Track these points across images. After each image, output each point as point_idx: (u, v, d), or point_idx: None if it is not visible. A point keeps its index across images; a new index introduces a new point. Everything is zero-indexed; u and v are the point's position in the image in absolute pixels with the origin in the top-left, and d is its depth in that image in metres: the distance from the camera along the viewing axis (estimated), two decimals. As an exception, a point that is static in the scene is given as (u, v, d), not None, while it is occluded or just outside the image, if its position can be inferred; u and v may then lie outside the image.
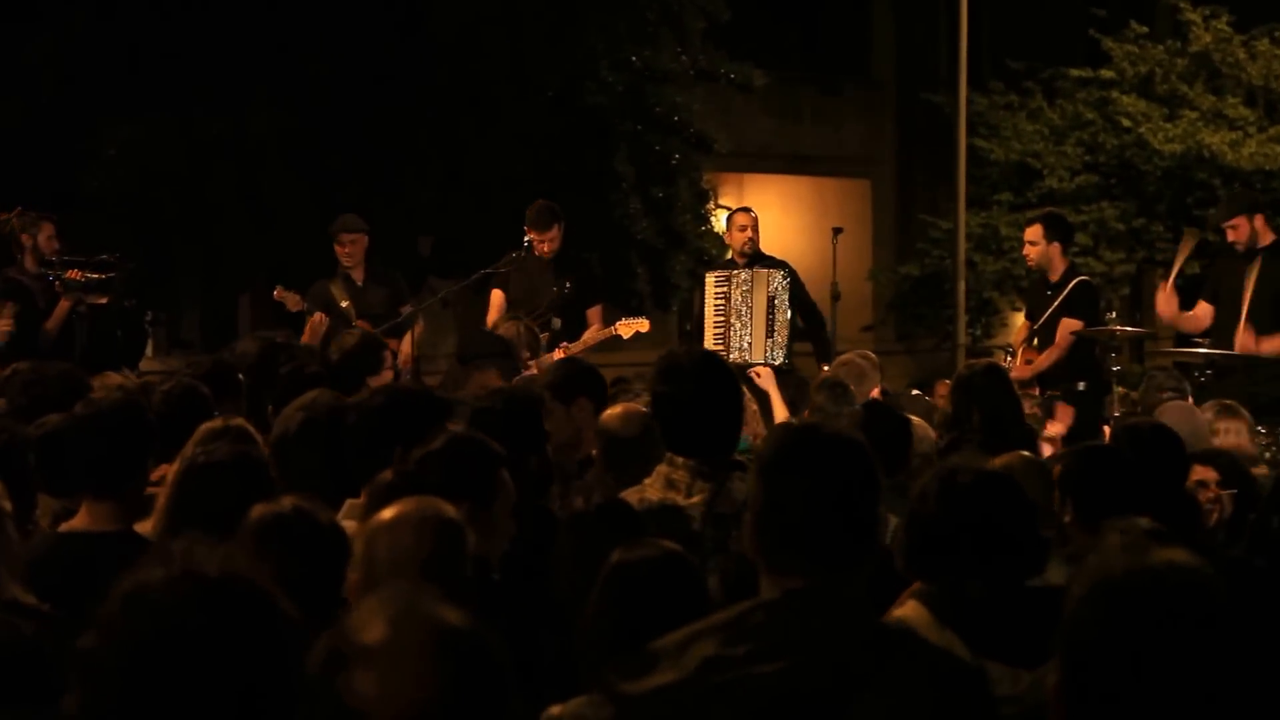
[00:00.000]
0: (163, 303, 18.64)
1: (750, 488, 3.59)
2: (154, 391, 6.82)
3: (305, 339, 11.54)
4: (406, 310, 12.16)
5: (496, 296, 11.82)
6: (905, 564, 4.26)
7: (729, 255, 12.43)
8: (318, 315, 11.69)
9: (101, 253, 11.85)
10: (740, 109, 23.26)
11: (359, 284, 12.09)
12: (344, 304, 11.91)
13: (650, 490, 5.52)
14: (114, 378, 8.33)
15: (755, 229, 12.07)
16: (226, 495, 4.55)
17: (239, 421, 5.98)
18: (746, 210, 12.30)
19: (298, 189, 17.02)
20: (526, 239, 11.75)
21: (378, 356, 8.25)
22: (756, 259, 12.05)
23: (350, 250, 12.09)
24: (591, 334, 11.48)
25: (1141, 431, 6.28)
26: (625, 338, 11.48)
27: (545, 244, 11.59)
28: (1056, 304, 11.38)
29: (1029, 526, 4.30)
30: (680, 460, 5.47)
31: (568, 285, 11.59)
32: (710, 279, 12.17)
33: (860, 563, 3.46)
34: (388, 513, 3.95)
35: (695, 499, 5.36)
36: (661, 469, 5.54)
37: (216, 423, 5.90)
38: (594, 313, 11.72)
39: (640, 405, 6.44)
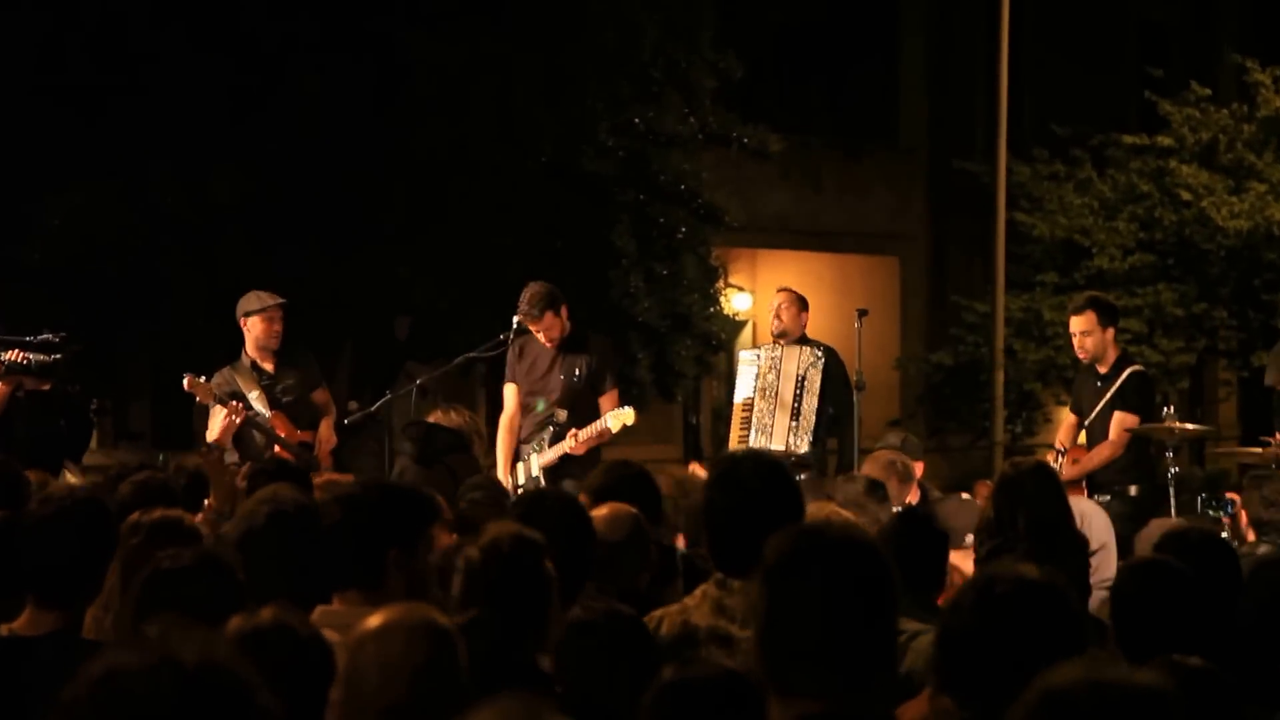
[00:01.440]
0: (109, 389, 18.70)
1: (754, 597, 3.61)
2: (122, 481, 6.87)
3: (217, 437, 11.43)
4: (320, 396, 12.13)
5: (510, 392, 11.84)
6: (938, 684, 4.30)
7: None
8: (233, 405, 11.55)
9: (44, 332, 11.90)
10: (754, 177, 23.42)
11: (269, 370, 11.95)
12: (253, 394, 11.80)
13: (697, 614, 5.45)
14: (67, 479, 8.39)
15: (787, 310, 12.30)
16: (195, 603, 4.61)
17: (191, 519, 6.05)
18: (791, 292, 12.59)
19: (260, 263, 17.12)
20: (516, 319, 11.81)
21: None
22: (803, 340, 12.30)
23: (279, 328, 11.93)
24: (597, 425, 11.48)
25: (1189, 540, 6.23)
26: (614, 430, 11.54)
27: (544, 334, 11.62)
28: (1108, 397, 11.45)
29: (1077, 643, 4.33)
30: (736, 584, 5.40)
31: (576, 374, 11.61)
32: (743, 356, 12.42)
33: (881, 682, 3.50)
34: (374, 620, 4.02)
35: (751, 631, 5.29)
36: (710, 590, 5.44)
37: (155, 513, 5.94)
38: (607, 399, 11.72)
39: (629, 507, 6.48)
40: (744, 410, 12.09)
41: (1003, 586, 4.21)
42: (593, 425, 11.46)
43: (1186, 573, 5.54)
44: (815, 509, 6.74)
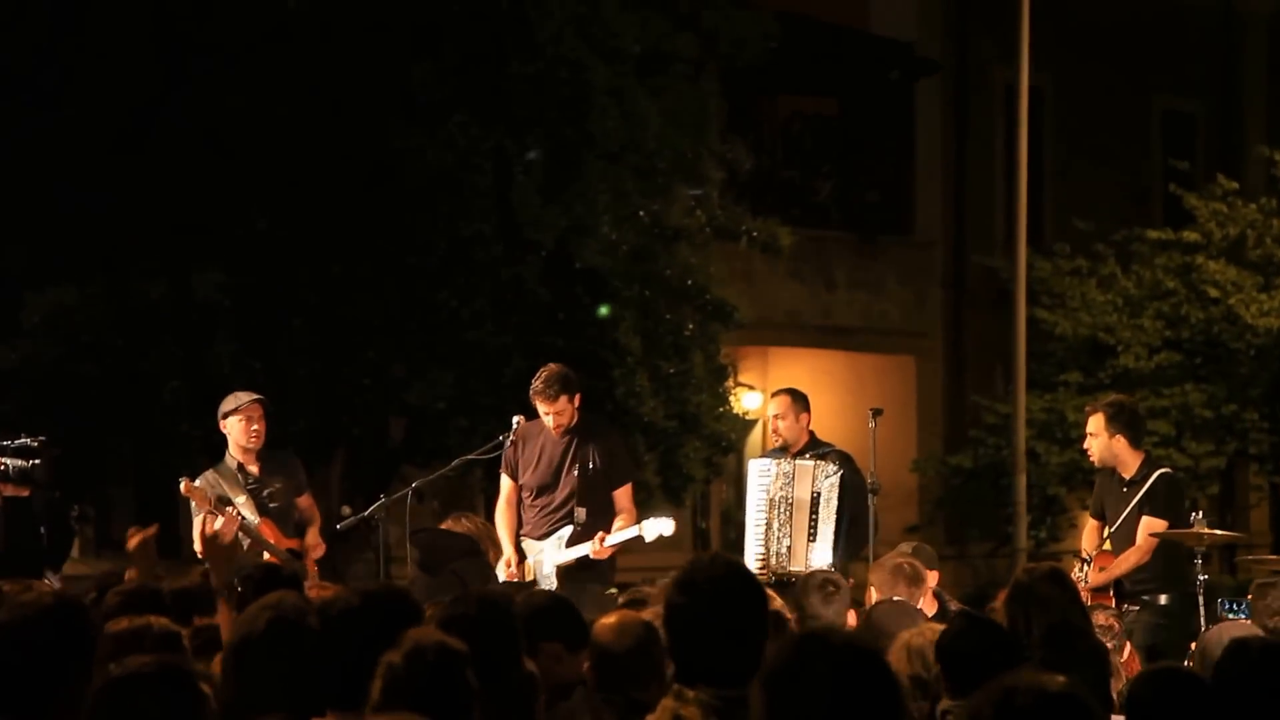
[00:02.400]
0: (92, 495, 18.68)
1: (754, 705, 3.63)
2: (107, 593, 6.81)
3: (205, 552, 11.40)
4: (305, 502, 12.10)
5: (506, 486, 11.78)
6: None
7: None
8: (229, 513, 11.51)
9: (21, 436, 11.88)
10: (764, 272, 23.48)
11: (255, 474, 11.87)
12: (240, 499, 11.76)
13: None
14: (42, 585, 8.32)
15: (792, 417, 12.06)
16: (151, 716, 4.55)
17: (163, 622, 6.00)
18: (780, 393, 12.30)
19: (248, 362, 17.15)
20: (516, 420, 11.76)
21: None
22: (810, 446, 12.10)
23: (259, 427, 11.90)
24: (623, 525, 11.37)
25: (1250, 652, 6.14)
26: (648, 540, 11.41)
27: (554, 418, 11.54)
28: (1135, 501, 11.40)
29: None
30: (691, 693, 5.43)
31: (591, 466, 11.52)
32: (753, 467, 12.21)
33: None
34: None
35: (707, 744, 5.29)
36: (668, 703, 5.46)
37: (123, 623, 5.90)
38: (623, 494, 11.57)
39: (644, 615, 6.44)
40: (758, 526, 11.99)
41: (1023, 698, 4.16)
42: (624, 529, 11.31)
43: (1203, 682, 5.52)
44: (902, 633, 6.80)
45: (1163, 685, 5.47)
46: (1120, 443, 11.51)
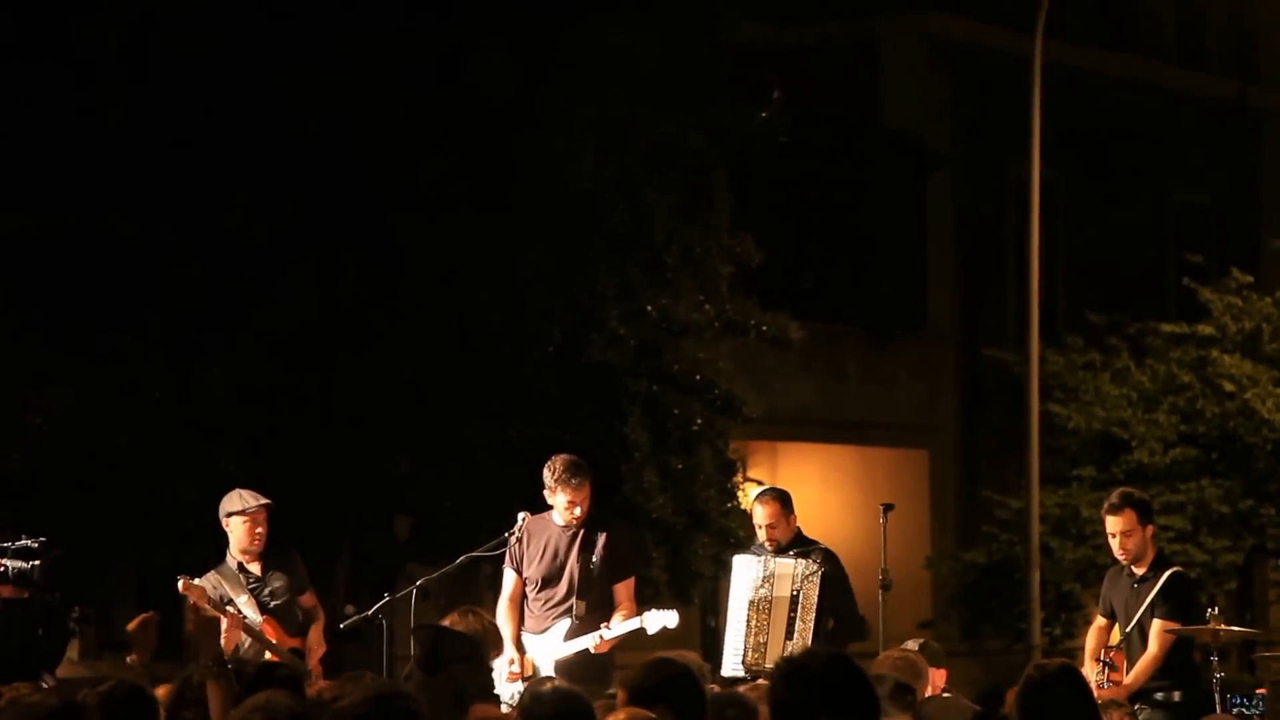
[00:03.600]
0: (93, 596, 18.64)
1: None
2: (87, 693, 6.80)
3: (191, 629, 11.39)
4: (308, 600, 12.08)
5: (510, 581, 11.77)
6: None
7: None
8: (231, 614, 11.52)
9: (21, 537, 11.86)
10: (774, 366, 23.46)
11: (256, 573, 11.89)
12: (241, 599, 11.76)
13: None
14: (23, 687, 8.27)
15: (784, 523, 12.03)
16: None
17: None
18: (767, 499, 12.25)
19: (252, 461, 17.15)
20: (521, 516, 11.78)
21: None
22: (795, 543, 12.05)
23: (262, 531, 11.91)
24: (624, 619, 11.37)
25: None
26: (650, 633, 11.41)
27: (580, 507, 11.60)
28: (1149, 600, 11.35)
29: None
30: None
31: (594, 561, 11.53)
32: (737, 564, 12.20)
33: None
34: None
35: None
36: None
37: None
38: (623, 588, 11.61)
39: (648, 714, 6.42)
40: (738, 625, 11.98)
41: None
42: (624, 622, 11.32)
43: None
44: None
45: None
46: (1149, 533, 11.50)
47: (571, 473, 11.54)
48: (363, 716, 5.39)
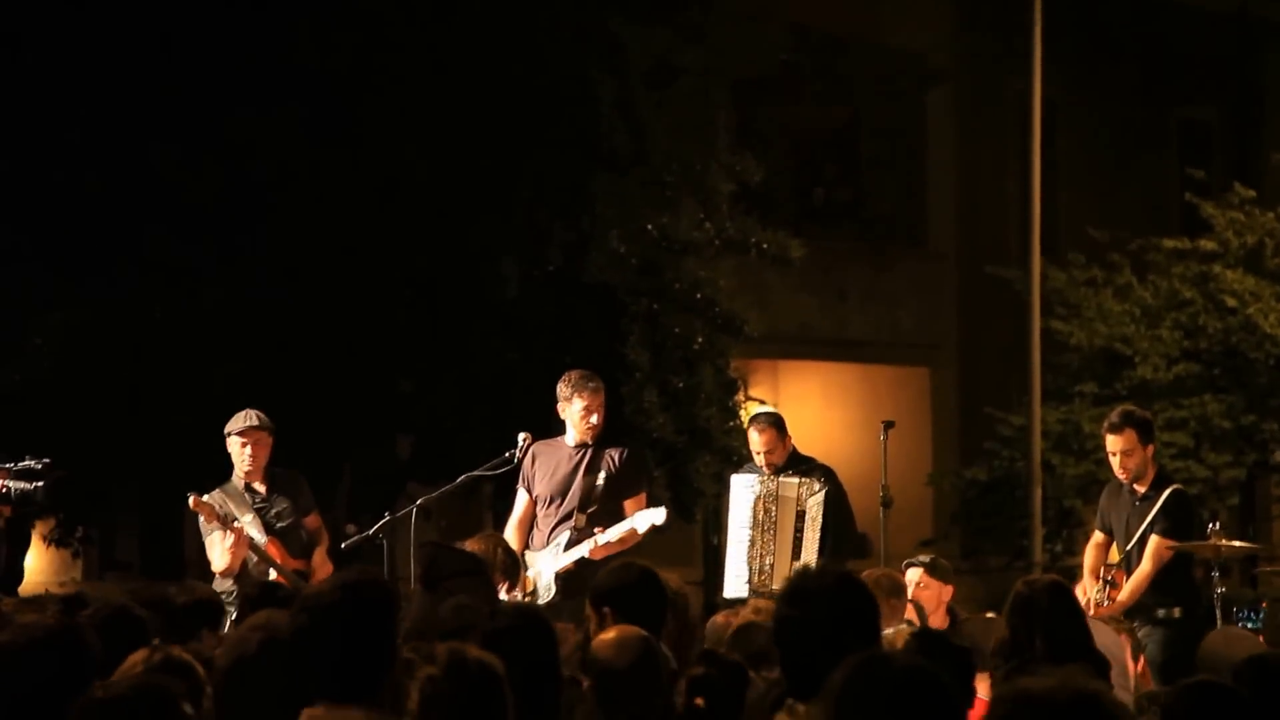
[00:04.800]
0: (95, 517, 18.69)
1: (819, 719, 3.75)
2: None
3: (228, 564, 11.45)
4: (313, 522, 12.12)
5: (521, 501, 11.78)
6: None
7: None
8: (237, 530, 11.56)
9: (26, 458, 11.83)
10: (774, 285, 23.45)
11: (262, 493, 11.93)
12: (247, 518, 11.79)
13: None
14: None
15: (779, 445, 12.03)
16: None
17: (177, 651, 6.00)
18: (763, 425, 12.24)
19: (255, 379, 17.16)
20: (522, 437, 11.79)
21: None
22: (792, 462, 12.06)
23: (255, 453, 11.94)
24: (621, 526, 11.33)
25: (1270, 667, 6.14)
26: (641, 532, 11.39)
27: (596, 412, 11.50)
28: (1150, 518, 11.35)
29: None
30: (802, 708, 5.34)
31: (601, 478, 11.53)
32: (736, 483, 12.20)
33: None
34: None
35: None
36: (780, 718, 5.45)
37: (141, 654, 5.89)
38: (632, 505, 11.57)
39: (638, 630, 6.45)
40: (740, 543, 11.98)
41: (1044, 700, 4.10)
42: (616, 526, 11.35)
43: (1241, 696, 5.48)
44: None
45: (1200, 699, 5.44)
46: (1150, 452, 11.50)
47: (587, 378, 11.58)
48: (332, 604, 5.35)
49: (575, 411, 11.53)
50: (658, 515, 11.34)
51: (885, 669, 3.77)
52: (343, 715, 5.17)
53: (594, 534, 11.32)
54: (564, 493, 11.59)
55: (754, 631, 7.70)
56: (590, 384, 11.54)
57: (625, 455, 11.72)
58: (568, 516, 11.56)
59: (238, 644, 5.65)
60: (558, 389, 11.64)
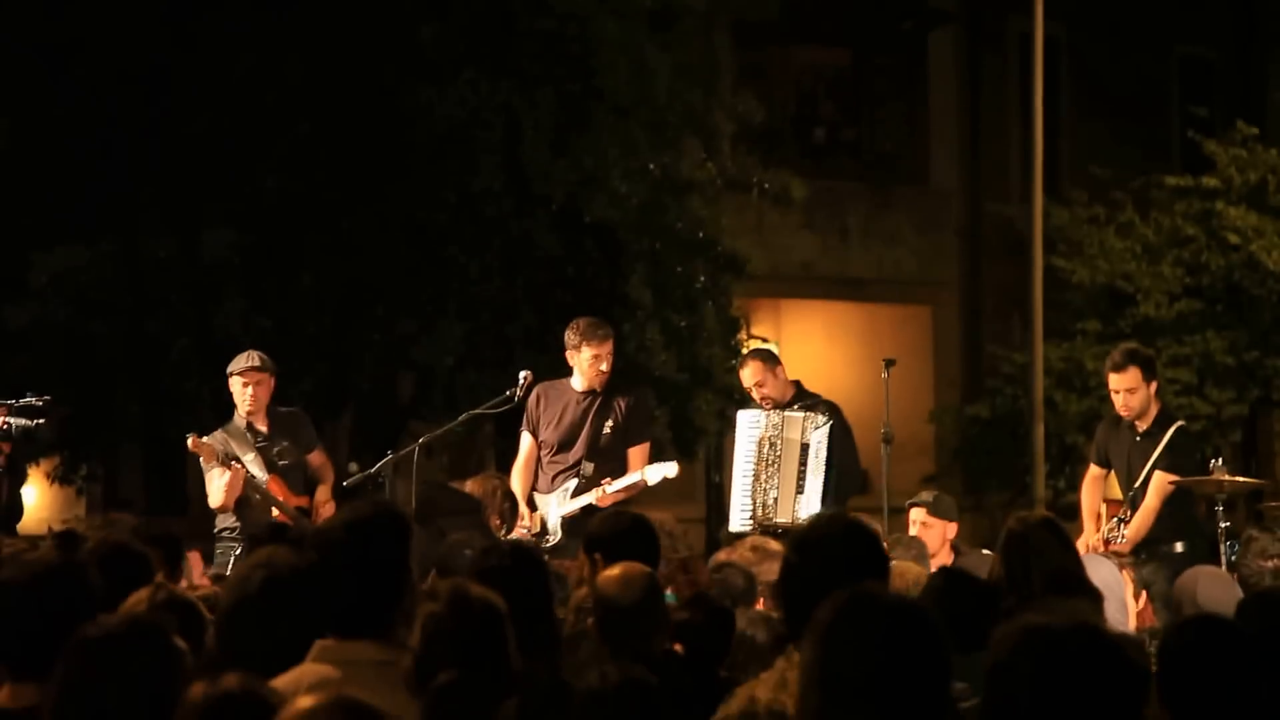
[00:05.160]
0: (99, 455, 18.73)
1: (805, 656, 3.74)
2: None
3: (222, 501, 11.48)
4: (317, 458, 12.13)
5: (525, 443, 11.78)
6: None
7: None
8: (235, 468, 11.57)
9: (28, 395, 11.85)
10: (776, 223, 23.44)
11: (264, 432, 11.91)
12: (248, 457, 11.80)
13: (760, 688, 5.45)
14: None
15: (771, 378, 11.99)
16: (125, 673, 4.57)
17: (180, 590, 6.01)
18: (747, 360, 12.22)
19: (257, 320, 17.19)
20: (523, 375, 11.79)
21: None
22: (797, 398, 12.04)
23: (255, 393, 11.92)
24: (631, 477, 11.34)
25: (1271, 602, 6.13)
26: (651, 484, 11.42)
27: (605, 360, 11.48)
28: (1155, 455, 11.35)
29: (1139, 700, 4.25)
30: (798, 655, 5.36)
31: (609, 426, 11.53)
32: (742, 418, 12.18)
33: None
34: (298, 705, 3.93)
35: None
36: (781, 664, 5.44)
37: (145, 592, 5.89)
38: (637, 451, 11.60)
39: (642, 567, 6.47)
40: (745, 477, 11.97)
41: (1050, 637, 4.08)
42: (625, 476, 11.33)
43: (1242, 632, 5.47)
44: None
45: (1199, 634, 5.43)
46: (1153, 389, 11.49)
47: (596, 326, 11.57)
48: (344, 538, 5.38)
49: (584, 360, 11.51)
50: (669, 469, 11.37)
51: (873, 605, 3.73)
52: (354, 648, 5.20)
53: (601, 484, 11.33)
54: (571, 441, 11.58)
55: (730, 572, 7.73)
56: (599, 332, 11.52)
57: (631, 403, 11.71)
58: (575, 464, 11.56)
59: (240, 583, 5.64)
60: (565, 336, 11.62)
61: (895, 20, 27.73)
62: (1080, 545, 11.52)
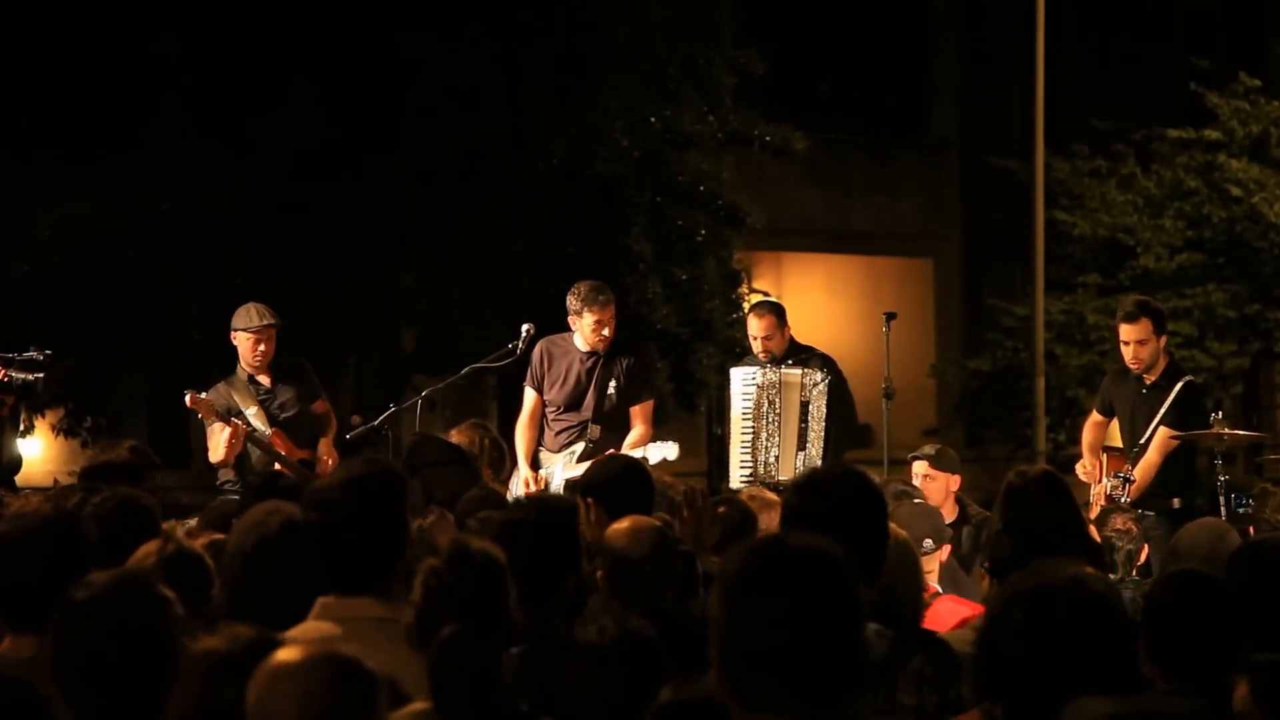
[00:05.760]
0: (102, 408, 18.75)
1: (713, 610, 3.64)
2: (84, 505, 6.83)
3: (222, 456, 11.49)
4: (320, 407, 12.14)
5: (529, 399, 11.77)
6: (980, 692, 4.26)
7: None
8: (235, 423, 11.58)
9: (30, 349, 11.86)
10: (778, 177, 23.44)
11: (266, 385, 11.96)
12: (250, 411, 11.81)
13: None
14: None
15: (779, 335, 11.97)
16: (115, 630, 4.60)
17: (189, 543, 6.03)
18: (763, 311, 12.21)
19: (260, 273, 17.19)
20: (525, 328, 11.80)
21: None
22: (791, 351, 12.02)
23: (265, 349, 11.93)
24: (632, 444, 11.33)
25: (1263, 552, 6.16)
26: (652, 463, 11.40)
27: (607, 325, 11.50)
28: (1163, 410, 11.36)
29: (1131, 653, 4.27)
30: None
31: (612, 387, 11.54)
32: (736, 376, 12.18)
33: (849, 694, 3.54)
34: (280, 657, 3.95)
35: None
36: None
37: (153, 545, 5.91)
38: (639, 410, 11.64)
39: (651, 520, 6.50)
40: (744, 434, 11.98)
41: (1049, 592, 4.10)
42: (630, 449, 11.32)
43: (1225, 586, 5.51)
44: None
45: (1182, 589, 5.47)
46: (1163, 343, 11.49)
47: (598, 291, 11.54)
48: (340, 496, 5.39)
49: (586, 325, 11.51)
50: (669, 450, 11.37)
51: (779, 551, 3.63)
52: (354, 604, 5.24)
53: (609, 453, 11.34)
54: (577, 402, 11.61)
55: (730, 510, 7.77)
56: (600, 297, 11.50)
57: (633, 364, 11.74)
58: (581, 424, 11.58)
59: (256, 526, 5.67)
60: (567, 301, 11.61)
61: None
62: (1079, 471, 11.60)
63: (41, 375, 11.10)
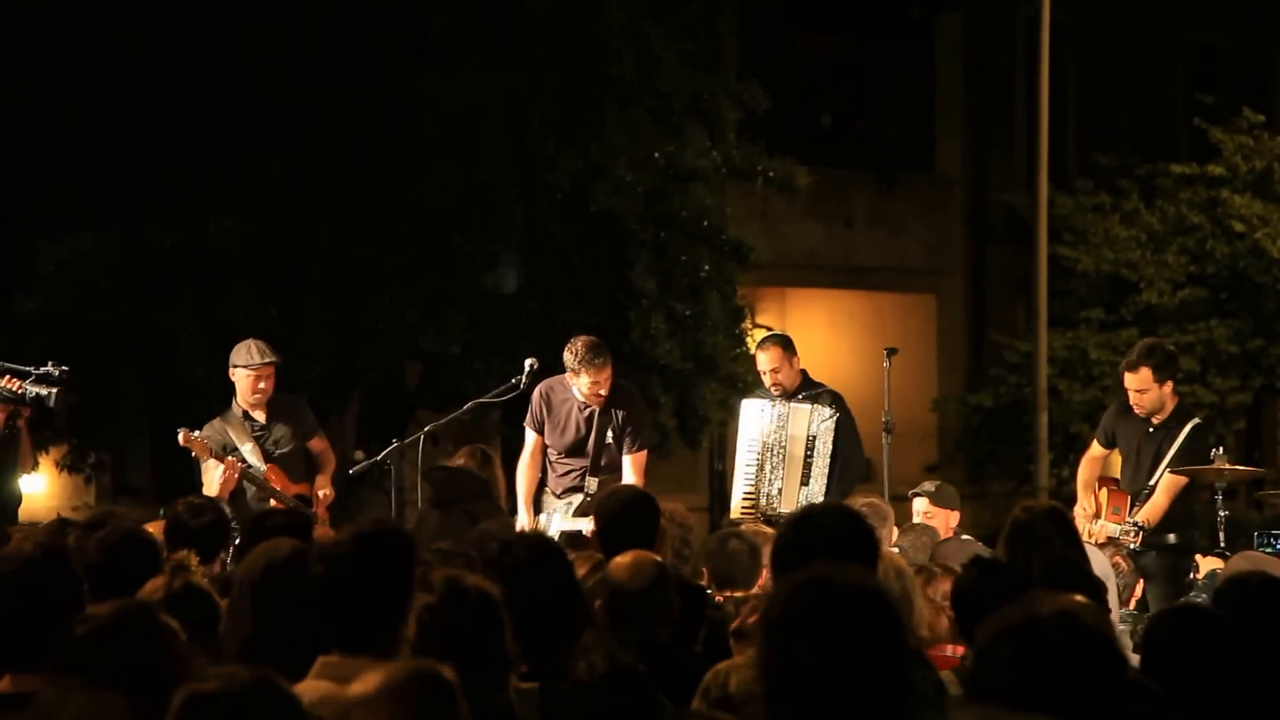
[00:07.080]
0: (108, 442, 18.79)
1: (759, 651, 3.70)
2: (88, 538, 6.85)
3: (216, 492, 11.50)
4: (317, 444, 12.18)
5: (530, 440, 11.78)
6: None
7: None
8: (230, 460, 11.60)
9: (48, 364, 11.77)
10: (781, 212, 23.49)
11: (261, 421, 11.92)
12: (246, 447, 11.84)
13: (734, 675, 5.57)
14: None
15: (787, 366, 12.00)
16: (111, 664, 4.61)
17: (196, 578, 6.07)
18: (767, 345, 12.23)
19: (263, 309, 17.26)
20: (529, 363, 11.83)
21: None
22: (804, 387, 12.05)
23: (265, 387, 11.97)
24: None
25: (1250, 586, 6.21)
26: (551, 531, 11.43)
27: (602, 387, 11.44)
28: (1172, 452, 11.40)
29: (1121, 686, 4.32)
30: None
31: (610, 437, 11.55)
32: (746, 407, 12.21)
33: None
34: (370, 680, 3.98)
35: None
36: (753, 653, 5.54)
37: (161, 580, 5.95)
38: (633, 460, 11.61)
39: (652, 555, 6.56)
40: (749, 466, 12.01)
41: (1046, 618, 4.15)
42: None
43: (1221, 619, 5.55)
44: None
45: (1179, 624, 5.52)
46: (1168, 389, 11.51)
47: (594, 353, 11.42)
48: (348, 556, 5.35)
49: (582, 384, 11.49)
50: (583, 524, 11.38)
51: (825, 591, 3.68)
52: (357, 665, 5.09)
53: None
54: (578, 450, 11.62)
55: (730, 552, 7.82)
56: (597, 360, 11.44)
57: (627, 414, 11.65)
58: (581, 476, 11.62)
59: (266, 552, 5.67)
60: (564, 356, 11.56)
61: (902, 7, 27.75)
62: (1078, 514, 11.63)
63: (54, 390, 11.14)
